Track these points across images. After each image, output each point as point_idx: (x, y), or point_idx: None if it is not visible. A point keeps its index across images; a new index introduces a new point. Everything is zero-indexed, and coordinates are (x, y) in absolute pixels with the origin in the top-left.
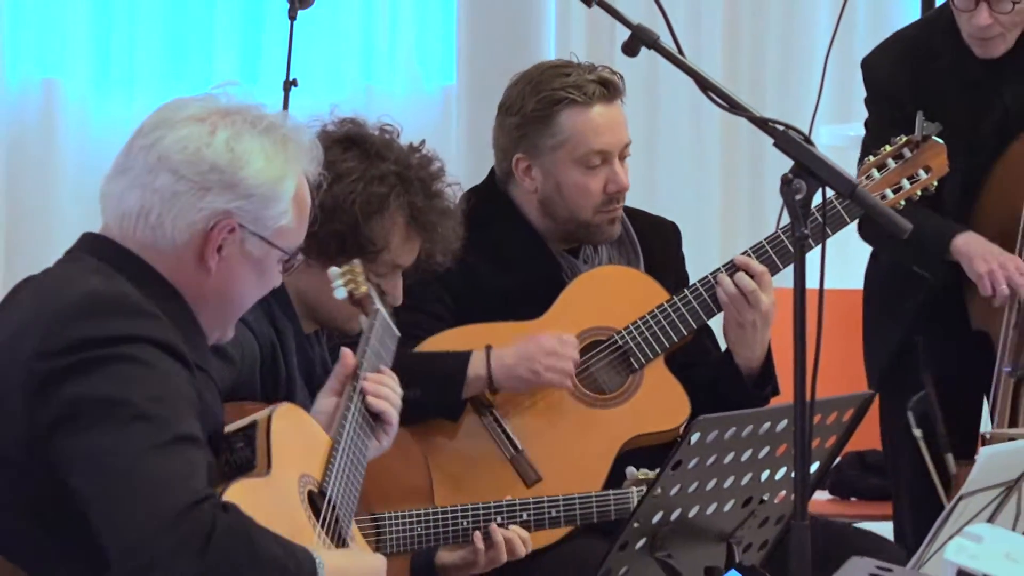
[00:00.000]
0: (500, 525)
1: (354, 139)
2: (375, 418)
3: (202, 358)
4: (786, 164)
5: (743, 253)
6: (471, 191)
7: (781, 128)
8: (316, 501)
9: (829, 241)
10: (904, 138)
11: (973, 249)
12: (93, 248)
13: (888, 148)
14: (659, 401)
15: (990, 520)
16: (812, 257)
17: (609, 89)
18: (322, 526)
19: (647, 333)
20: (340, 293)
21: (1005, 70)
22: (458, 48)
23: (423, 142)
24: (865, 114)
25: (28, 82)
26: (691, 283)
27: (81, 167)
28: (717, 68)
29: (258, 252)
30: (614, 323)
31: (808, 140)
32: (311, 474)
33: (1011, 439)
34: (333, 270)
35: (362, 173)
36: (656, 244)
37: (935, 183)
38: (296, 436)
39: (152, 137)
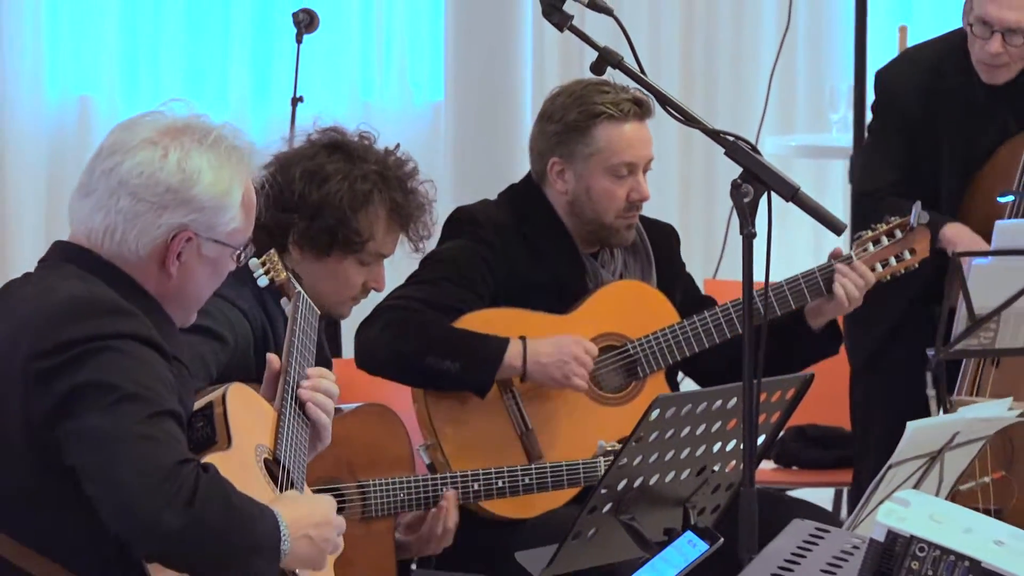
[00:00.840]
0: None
1: (337, 144)
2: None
3: (175, 348)
4: (736, 170)
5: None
6: (509, 189)
7: (731, 139)
8: (271, 468)
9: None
10: (899, 220)
11: (959, 237)
12: (68, 256)
13: (884, 226)
14: None
15: (916, 487)
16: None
17: (642, 108)
18: (279, 488)
19: (656, 348)
20: (263, 281)
21: (1006, 97)
22: (445, 68)
23: (397, 145)
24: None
25: (66, 99)
26: (701, 313)
27: None
28: (674, 85)
29: (213, 254)
30: (629, 333)
31: (755, 149)
32: (264, 443)
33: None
34: (253, 261)
35: (347, 174)
36: (664, 252)
37: (917, 264)
38: (248, 411)
39: (111, 162)
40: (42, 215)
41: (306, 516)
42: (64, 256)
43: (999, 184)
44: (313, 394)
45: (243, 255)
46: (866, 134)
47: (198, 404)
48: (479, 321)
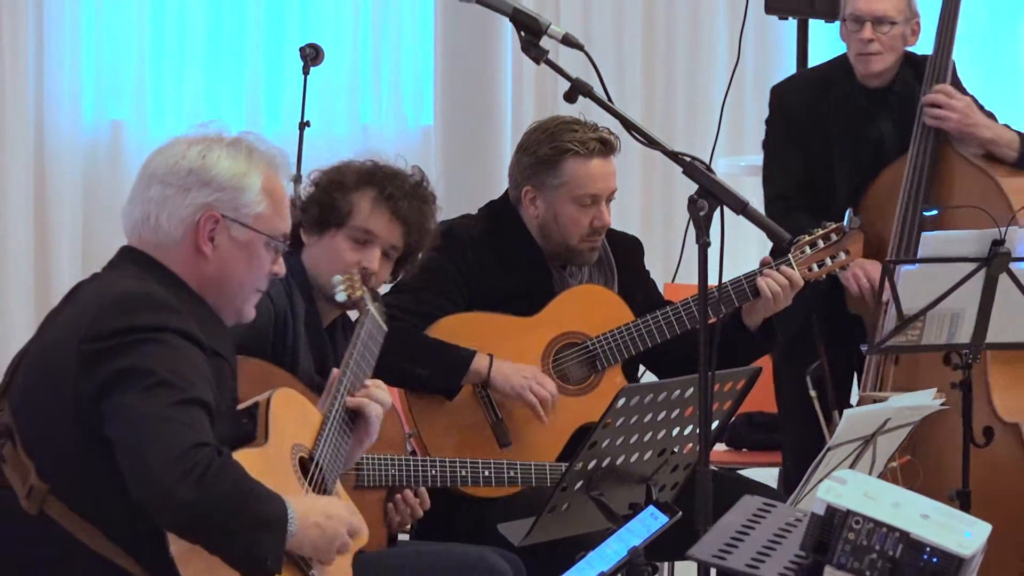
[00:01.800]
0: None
1: (346, 162)
2: (355, 418)
3: (218, 344)
4: (692, 187)
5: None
6: (488, 204)
7: (688, 159)
8: (306, 465)
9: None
10: (834, 224)
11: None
12: (128, 257)
13: (820, 231)
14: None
15: (851, 467)
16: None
17: (606, 147)
18: (309, 483)
19: (613, 344)
20: (340, 296)
21: (884, 102)
22: (435, 96)
23: (401, 159)
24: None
25: (100, 122)
26: (653, 312)
27: None
28: (638, 112)
29: (243, 237)
30: (589, 331)
31: (709, 169)
32: (303, 443)
33: (875, 400)
34: (336, 277)
35: (340, 167)
36: (627, 262)
37: (851, 263)
38: (291, 413)
39: (146, 166)
40: (79, 226)
41: (319, 508)
42: (125, 258)
43: (884, 207)
44: (368, 394)
45: (277, 244)
46: (763, 148)
47: (246, 404)
48: (455, 323)
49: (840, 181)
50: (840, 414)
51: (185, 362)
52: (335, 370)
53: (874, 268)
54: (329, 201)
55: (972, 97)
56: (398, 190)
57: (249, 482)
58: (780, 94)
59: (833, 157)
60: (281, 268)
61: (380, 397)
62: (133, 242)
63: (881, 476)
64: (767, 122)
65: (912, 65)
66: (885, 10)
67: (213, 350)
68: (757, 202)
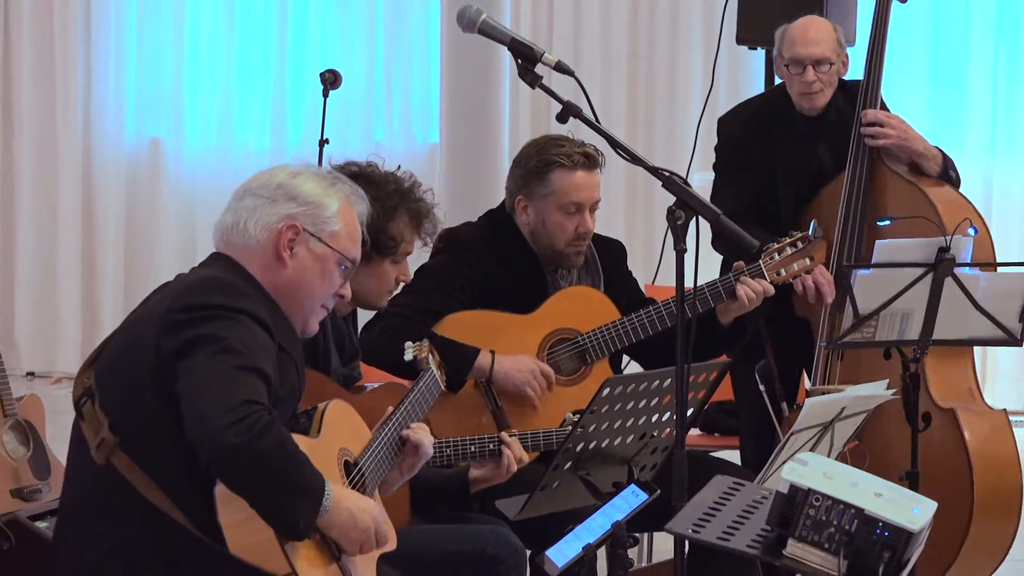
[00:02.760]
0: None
1: (356, 175)
2: (404, 445)
3: (286, 341)
4: (670, 199)
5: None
6: (488, 213)
7: (667, 174)
8: (350, 469)
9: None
10: (800, 234)
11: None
12: (216, 259)
13: (787, 239)
14: None
15: (812, 450)
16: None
17: (590, 160)
18: (349, 483)
19: (601, 339)
20: (408, 356)
21: (820, 128)
22: (440, 116)
23: (399, 167)
24: None
25: (140, 140)
26: (637, 311)
27: (179, 205)
28: (622, 131)
29: (319, 251)
30: (580, 327)
31: (686, 183)
32: (350, 450)
33: (824, 393)
34: (407, 344)
35: (375, 195)
36: (612, 264)
37: (815, 269)
38: (343, 421)
39: (245, 183)
40: (121, 232)
41: (356, 501)
42: (213, 259)
43: (826, 219)
44: (419, 431)
45: (348, 267)
46: (712, 175)
47: (305, 408)
48: (458, 321)
49: (783, 200)
50: (789, 407)
51: (253, 339)
52: (390, 407)
53: (819, 272)
54: (381, 239)
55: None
56: (422, 207)
57: (294, 447)
58: (726, 123)
59: (776, 179)
60: (348, 291)
61: (424, 435)
62: (220, 247)
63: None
64: (716, 149)
65: (843, 90)
66: (823, 52)
67: (280, 344)
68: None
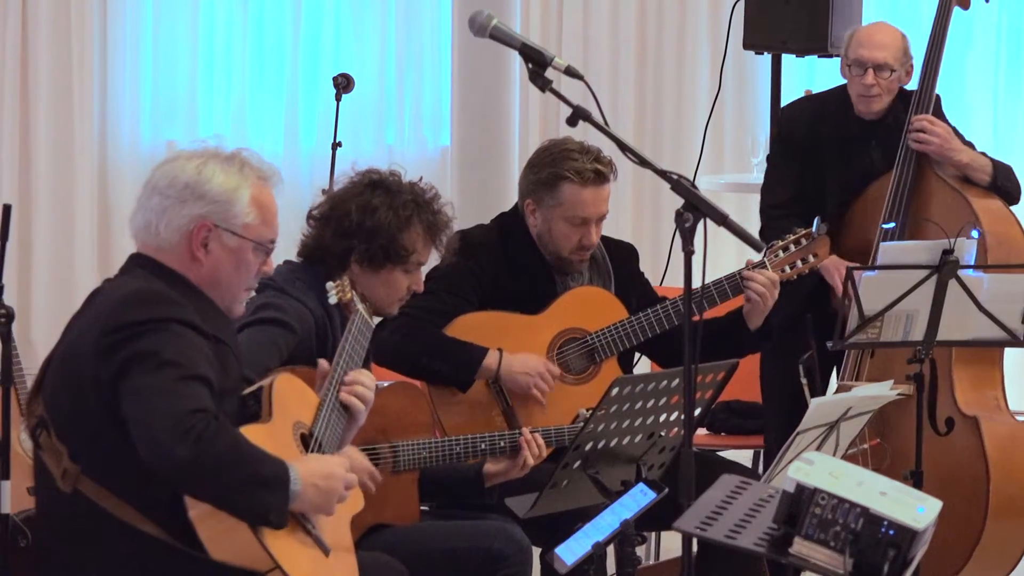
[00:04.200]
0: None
1: (377, 182)
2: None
3: (220, 331)
4: (678, 202)
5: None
6: (500, 215)
7: (675, 177)
8: (307, 441)
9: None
10: (804, 230)
11: (830, 264)
12: (136, 262)
13: (792, 236)
14: None
15: (818, 449)
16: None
17: (599, 177)
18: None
19: (610, 338)
20: (332, 299)
21: (875, 132)
22: (451, 120)
23: (420, 178)
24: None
25: (156, 142)
26: (644, 310)
27: None
28: (630, 134)
29: (233, 244)
30: (589, 327)
31: (693, 185)
32: (303, 421)
33: (850, 389)
34: (328, 284)
35: (391, 204)
36: (623, 266)
37: (819, 266)
38: (292, 395)
39: (150, 178)
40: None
41: (316, 470)
42: (133, 263)
43: (869, 217)
44: (351, 388)
45: (266, 248)
46: (765, 162)
47: (253, 388)
48: (469, 322)
49: (829, 197)
50: None
51: (188, 346)
52: (321, 360)
53: (833, 263)
54: (393, 249)
55: (953, 127)
56: (438, 220)
57: (246, 444)
58: (784, 117)
59: (825, 176)
60: (270, 268)
61: (364, 386)
62: (138, 247)
63: (853, 456)
64: (771, 140)
65: (902, 99)
66: (885, 58)
67: (215, 337)
68: (735, 215)
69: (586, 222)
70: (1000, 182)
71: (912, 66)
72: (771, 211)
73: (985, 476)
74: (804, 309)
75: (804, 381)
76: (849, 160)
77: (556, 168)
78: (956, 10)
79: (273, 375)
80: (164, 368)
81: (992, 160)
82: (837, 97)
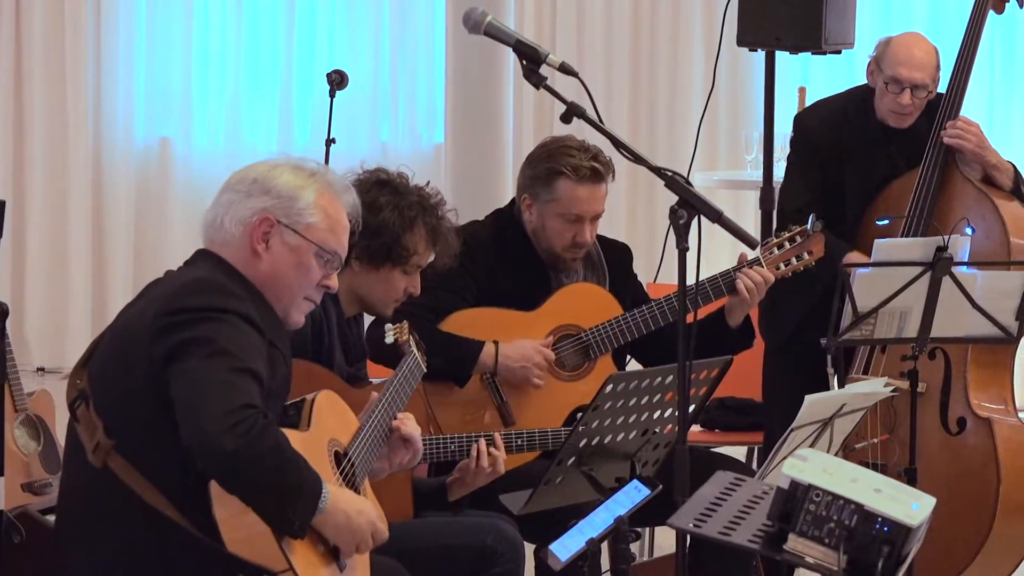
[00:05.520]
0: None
1: (384, 181)
2: (391, 434)
3: (274, 335)
4: (672, 198)
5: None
6: (495, 212)
7: (669, 173)
8: (340, 460)
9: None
10: (798, 228)
11: (854, 259)
12: (201, 256)
13: (786, 233)
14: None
15: (812, 446)
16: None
17: (596, 174)
18: (340, 474)
19: (604, 335)
20: (389, 339)
21: (895, 138)
22: (445, 116)
23: (428, 182)
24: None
25: (150, 139)
26: (639, 307)
27: (188, 203)
28: (624, 131)
29: (294, 243)
30: (583, 323)
31: (687, 182)
32: (339, 440)
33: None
34: (387, 325)
35: (396, 204)
36: (616, 264)
37: (813, 263)
38: (332, 412)
39: (227, 180)
40: (131, 229)
41: (351, 501)
42: (198, 256)
43: (892, 212)
44: (407, 422)
45: (328, 257)
46: (785, 165)
47: (294, 400)
48: (465, 318)
49: (850, 201)
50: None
51: (244, 339)
52: (374, 393)
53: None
54: (395, 248)
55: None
56: (442, 225)
57: (290, 450)
58: (803, 121)
59: (845, 179)
60: (334, 283)
61: (412, 426)
62: (205, 244)
63: (863, 451)
64: (791, 143)
65: (927, 106)
66: (923, 79)
67: (269, 340)
68: (729, 211)
69: (580, 219)
70: (1020, 186)
71: (939, 78)
72: (794, 215)
73: (996, 477)
74: (815, 306)
75: (830, 371)
76: (870, 164)
77: (553, 163)
78: (990, 15)
79: (317, 391)
80: (219, 356)
81: (1012, 164)
82: (856, 100)
